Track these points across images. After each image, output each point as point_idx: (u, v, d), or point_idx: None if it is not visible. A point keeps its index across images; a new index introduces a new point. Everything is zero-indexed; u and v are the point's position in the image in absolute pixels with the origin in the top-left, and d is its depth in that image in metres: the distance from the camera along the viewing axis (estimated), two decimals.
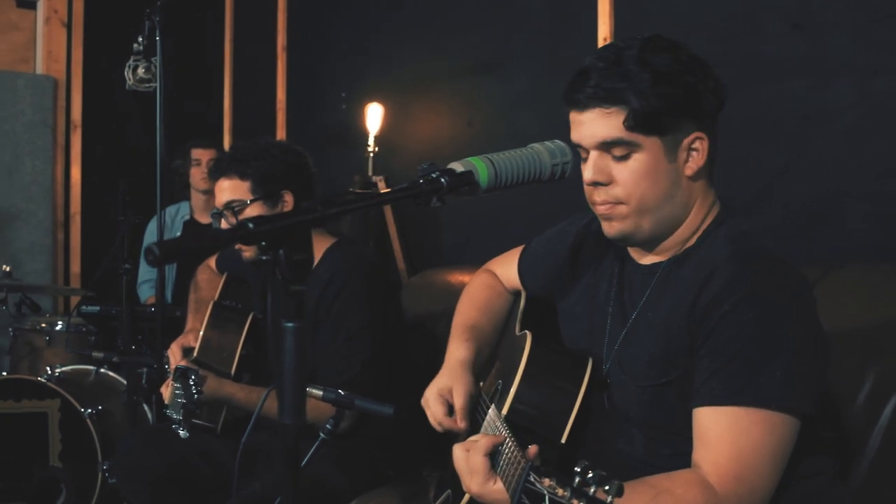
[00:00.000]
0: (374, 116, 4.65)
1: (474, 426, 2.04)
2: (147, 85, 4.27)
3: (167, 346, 3.67)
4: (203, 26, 6.10)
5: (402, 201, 1.39)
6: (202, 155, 5.14)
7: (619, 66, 1.72)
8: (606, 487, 1.23)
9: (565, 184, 1.72)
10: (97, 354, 3.57)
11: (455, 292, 3.76)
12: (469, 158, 1.57)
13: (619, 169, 1.75)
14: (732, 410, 1.61)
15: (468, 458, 1.60)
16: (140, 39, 4.20)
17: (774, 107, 3.12)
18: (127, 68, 4.27)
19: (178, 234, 5.27)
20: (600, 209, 1.80)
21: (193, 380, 2.52)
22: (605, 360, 1.88)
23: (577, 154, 1.78)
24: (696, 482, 1.59)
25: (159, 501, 2.81)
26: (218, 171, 2.93)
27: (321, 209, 1.23)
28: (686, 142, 1.75)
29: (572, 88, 1.77)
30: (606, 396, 1.86)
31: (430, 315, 3.53)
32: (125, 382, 3.97)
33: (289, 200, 2.91)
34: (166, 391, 2.79)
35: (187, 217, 5.26)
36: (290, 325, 1.16)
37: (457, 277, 3.73)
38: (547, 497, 1.29)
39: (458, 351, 2.12)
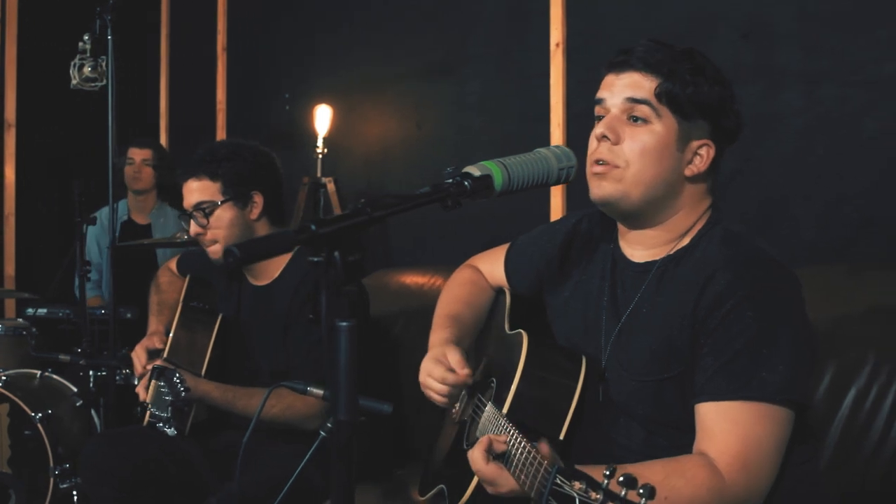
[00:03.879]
0: (322, 118, 4.66)
1: (472, 423, 2.08)
2: (93, 84, 4.19)
3: (118, 349, 3.64)
4: (141, 26, 6.03)
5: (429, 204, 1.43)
6: (136, 154, 5.08)
7: (668, 49, 1.85)
8: (640, 491, 1.25)
9: None
10: (64, 357, 3.50)
11: (409, 293, 3.80)
12: (483, 162, 1.60)
13: (630, 132, 1.83)
14: (737, 405, 1.68)
15: (484, 463, 1.69)
16: (86, 38, 4.14)
17: None
18: (72, 67, 4.18)
19: (117, 234, 5.19)
20: (597, 168, 1.85)
21: (178, 377, 2.50)
22: (602, 355, 1.93)
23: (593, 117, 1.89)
24: (704, 464, 1.67)
25: None
26: (187, 171, 2.91)
27: (370, 212, 1.26)
28: (695, 143, 1.85)
29: (618, 53, 1.88)
30: (602, 390, 1.91)
31: (384, 316, 3.55)
32: (71, 386, 3.92)
33: (258, 202, 2.91)
34: (143, 391, 2.77)
35: (125, 217, 5.17)
36: (343, 324, 1.20)
37: (410, 278, 3.76)
38: (578, 500, 1.31)
39: (440, 334, 2.16)
